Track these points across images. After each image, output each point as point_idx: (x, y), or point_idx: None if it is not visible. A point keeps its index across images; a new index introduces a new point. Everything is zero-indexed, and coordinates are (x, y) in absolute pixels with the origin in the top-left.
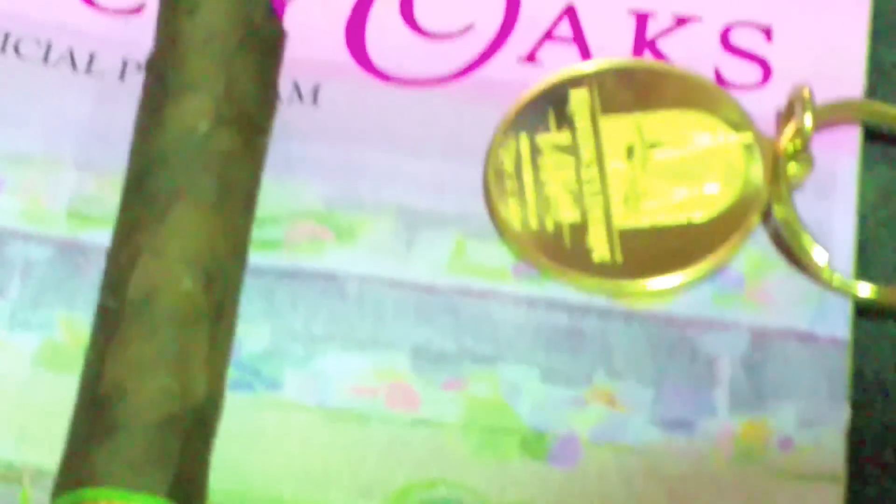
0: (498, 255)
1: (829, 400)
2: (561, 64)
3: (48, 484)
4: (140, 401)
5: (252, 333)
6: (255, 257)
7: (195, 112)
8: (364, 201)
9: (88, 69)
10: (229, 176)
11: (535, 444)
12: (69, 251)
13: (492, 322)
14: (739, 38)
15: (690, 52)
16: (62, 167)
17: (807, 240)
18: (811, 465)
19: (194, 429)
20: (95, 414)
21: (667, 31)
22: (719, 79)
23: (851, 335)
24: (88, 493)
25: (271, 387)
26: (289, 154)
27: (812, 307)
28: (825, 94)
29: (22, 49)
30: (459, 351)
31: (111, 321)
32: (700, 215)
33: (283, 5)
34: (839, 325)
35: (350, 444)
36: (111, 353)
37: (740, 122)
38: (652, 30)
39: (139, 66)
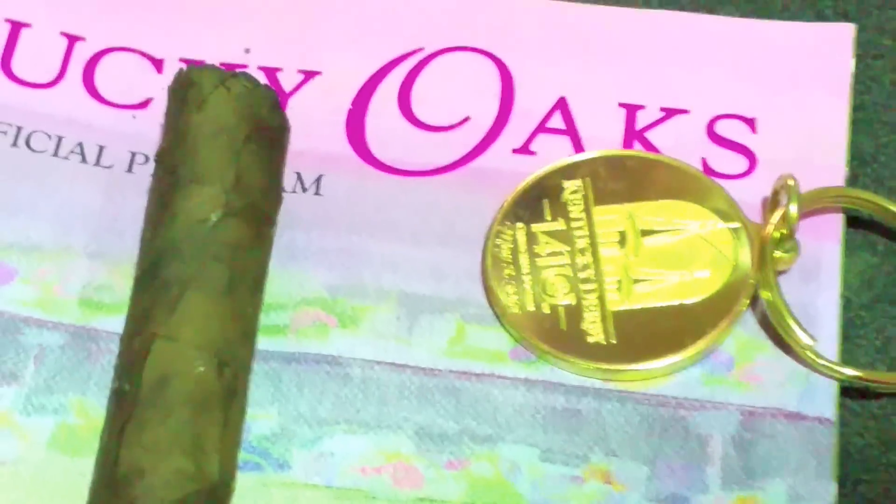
0: (496, 338)
1: (816, 477)
2: (554, 154)
3: None
4: (157, 482)
5: (260, 416)
6: (263, 342)
7: (206, 203)
8: (366, 288)
9: (98, 161)
10: (239, 264)
11: None
12: (81, 337)
13: (491, 403)
14: (725, 130)
15: (678, 143)
16: (74, 256)
17: (793, 323)
18: None
19: None
20: (112, 495)
21: (655, 123)
22: (706, 168)
23: (837, 414)
24: None
25: (280, 467)
26: (293, 243)
27: (799, 387)
28: (808, 182)
29: (33, 143)
30: (461, 431)
31: (126, 405)
32: (691, 300)
33: (284, 99)
34: (826, 404)
35: None
36: (127, 435)
37: (728, 210)
38: (641, 121)
39: (147, 158)
